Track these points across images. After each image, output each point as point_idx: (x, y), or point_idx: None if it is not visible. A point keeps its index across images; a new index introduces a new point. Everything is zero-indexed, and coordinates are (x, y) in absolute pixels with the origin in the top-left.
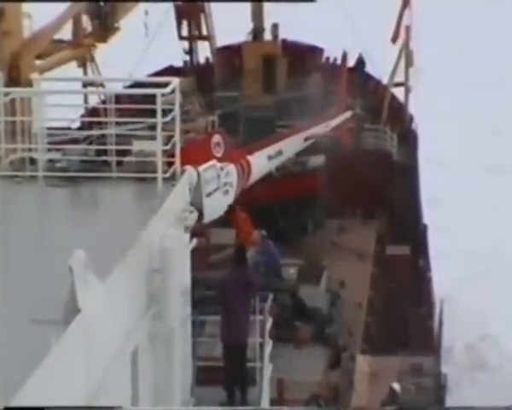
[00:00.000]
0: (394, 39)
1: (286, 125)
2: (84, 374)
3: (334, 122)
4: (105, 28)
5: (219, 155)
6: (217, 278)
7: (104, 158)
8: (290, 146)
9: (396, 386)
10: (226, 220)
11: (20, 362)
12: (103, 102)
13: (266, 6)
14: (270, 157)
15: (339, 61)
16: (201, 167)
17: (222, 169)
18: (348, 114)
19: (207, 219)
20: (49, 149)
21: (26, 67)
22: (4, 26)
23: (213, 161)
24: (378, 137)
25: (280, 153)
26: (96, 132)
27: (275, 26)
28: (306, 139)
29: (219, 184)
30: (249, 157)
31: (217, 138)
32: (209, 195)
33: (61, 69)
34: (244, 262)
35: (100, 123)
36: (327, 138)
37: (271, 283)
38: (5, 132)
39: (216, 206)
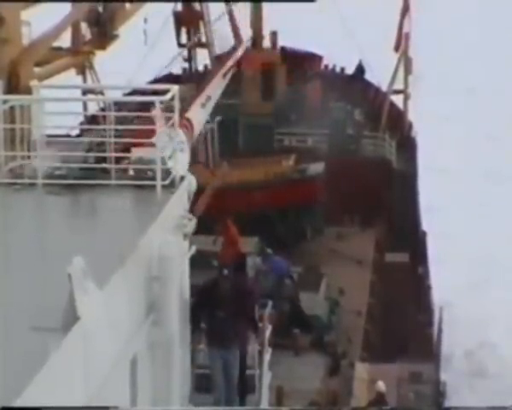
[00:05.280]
0: (397, 48)
1: (285, 132)
2: (83, 381)
3: (238, 54)
4: (104, 36)
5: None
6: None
7: (103, 165)
8: (215, 89)
9: (381, 385)
10: (209, 228)
11: (19, 369)
12: (102, 109)
13: (265, 13)
14: (203, 105)
15: (338, 69)
16: (153, 139)
17: (170, 133)
18: (244, 45)
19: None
20: (49, 157)
21: (25, 74)
22: (3, 34)
23: (161, 129)
24: (377, 144)
25: (209, 98)
26: (95, 139)
27: (274, 34)
28: (225, 75)
29: (174, 144)
30: (187, 114)
31: (154, 112)
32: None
33: (61, 77)
34: (243, 270)
35: (99, 130)
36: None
37: (279, 292)
38: (4, 140)
39: (179, 164)
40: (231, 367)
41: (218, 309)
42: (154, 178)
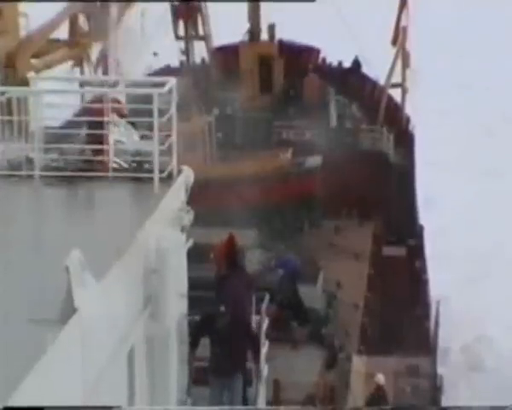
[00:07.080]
0: (394, 41)
1: (283, 125)
2: (81, 374)
3: None
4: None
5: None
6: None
7: (100, 158)
8: None
9: (380, 378)
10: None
11: (17, 362)
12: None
13: (263, 6)
14: None
15: (335, 62)
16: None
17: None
18: None
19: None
20: (46, 149)
21: (22, 66)
22: (0, 26)
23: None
24: (375, 138)
25: None
26: (92, 132)
27: (271, 27)
28: None
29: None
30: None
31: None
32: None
33: (58, 68)
34: (241, 263)
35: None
36: None
37: (280, 286)
38: (1, 132)
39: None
40: (235, 393)
41: (217, 346)
42: (151, 171)
